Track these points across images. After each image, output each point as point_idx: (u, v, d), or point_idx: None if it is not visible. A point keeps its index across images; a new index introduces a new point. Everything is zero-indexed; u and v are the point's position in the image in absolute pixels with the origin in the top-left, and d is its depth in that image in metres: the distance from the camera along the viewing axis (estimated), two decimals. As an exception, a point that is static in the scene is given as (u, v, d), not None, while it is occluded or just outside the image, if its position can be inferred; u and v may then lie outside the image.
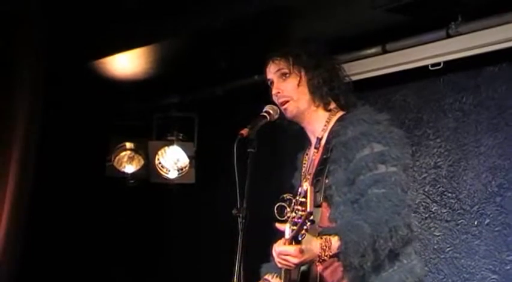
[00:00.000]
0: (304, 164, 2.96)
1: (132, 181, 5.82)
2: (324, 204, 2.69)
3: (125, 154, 5.78)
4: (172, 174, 5.54)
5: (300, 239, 2.49)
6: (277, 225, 2.64)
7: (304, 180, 2.89)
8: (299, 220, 2.47)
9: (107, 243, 5.85)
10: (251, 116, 2.90)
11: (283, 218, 2.64)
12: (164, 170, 5.54)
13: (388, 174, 2.60)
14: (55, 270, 5.46)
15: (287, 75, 2.89)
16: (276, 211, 2.67)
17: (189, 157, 5.50)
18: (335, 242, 2.52)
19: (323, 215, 2.70)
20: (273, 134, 2.99)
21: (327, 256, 2.52)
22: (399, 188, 2.60)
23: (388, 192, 2.56)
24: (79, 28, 4.70)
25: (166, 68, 5.11)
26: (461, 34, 3.98)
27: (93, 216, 5.75)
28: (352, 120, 2.74)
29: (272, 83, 2.95)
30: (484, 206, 3.98)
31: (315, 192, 2.66)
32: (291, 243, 2.52)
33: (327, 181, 2.69)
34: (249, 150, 2.69)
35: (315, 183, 2.74)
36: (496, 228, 3.91)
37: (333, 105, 2.89)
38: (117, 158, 5.74)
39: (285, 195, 2.70)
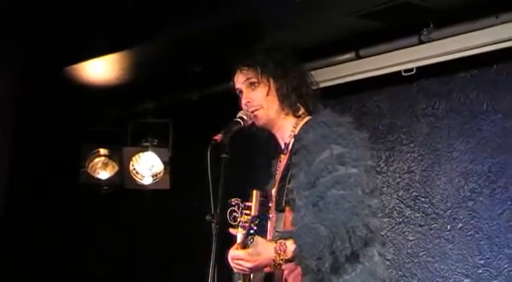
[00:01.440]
0: (277, 170, 2.98)
1: (106, 187, 5.81)
2: (287, 209, 2.71)
3: (99, 160, 5.77)
4: (147, 180, 5.54)
5: (248, 243, 2.50)
6: (231, 230, 2.70)
7: (274, 186, 2.93)
8: (245, 224, 2.52)
9: (80, 249, 5.84)
10: (226, 122, 2.91)
11: (235, 223, 2.70)
12: (139, 176, 5.54)
13: (348, 175, 2.60)
14: (27, 277, 5.44)
15: (256, 84, 2.91)
16: (228, 216, 2.71)
17: (163, 163, 5.51)
18: (290, 245, 2.51)
19: (286, 219, 2.72)
20: (246, 139, 3.01)
21: (282, 260, 2.52)
22: (359, 189, 2.58)
23: (347, 193, 2.56)
24: (54, 33, 4.70)
25: (141, 74, 5.11)
26: (433, 40, 4.04)
27: (67, 222, 5.73)
28: (313, 124, 2.77)
29: (241, 92, 2.97)
30: (457, 211, 4.03)
31: (279, 197, 2.73)
32: (243, 248, 2.55)
33: (289, 185, 2.72)
34: (222, 155, 2.69)
35: (279, 188, 2.78)
36: (469, 233, 3.96)
37: (301, 111, 2.91)
38: (91, 164, 5.73)
39: (232, 200, 2.77)
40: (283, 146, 2.93)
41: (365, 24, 4.07)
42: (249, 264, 2.53)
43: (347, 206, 2.53)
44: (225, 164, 2.65)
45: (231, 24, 4.19)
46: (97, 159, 5.76)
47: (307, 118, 2.89)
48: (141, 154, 5.53)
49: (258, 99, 2.90)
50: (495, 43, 3.80)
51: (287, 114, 2.90)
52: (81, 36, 4.69)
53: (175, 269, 5.56)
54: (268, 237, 2.71)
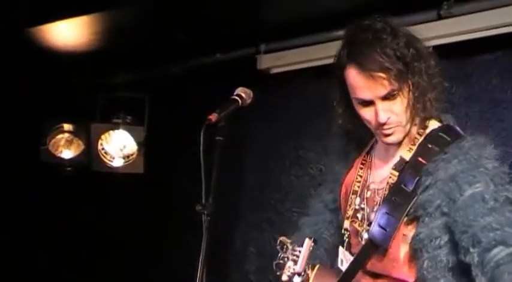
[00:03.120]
0: (364, 162, 2.81)
1: (69, 168, 5.78)
2: (394, 249, 2.57)
3: (62, 137, 5.73)
4: (117, 162, 5.52)
5: None
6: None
7: (369, 191, 2.74)
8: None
9: (38, 234, 5.82)
10: (212, 99, 2.88)
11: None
12: (108, 157, 5.51)
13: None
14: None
15: (395, 96, 2.56)
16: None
17: (137, 143, 5.48)
18: None
19: (391, 259, 2.61)
20: (237, 120, 2.98)
21: None
22: None
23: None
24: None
25: (116, 41, 5.07)
26: (454, 16, 4.03)
27: (25, 205, 5.71)
28: (458, 154, 2.50)
29: (368, 103, 2.60)
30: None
31: (379, 226, 2.55)
32: None
33: (411, 227, 2.55)
34: (217, 138, 2.67)
35: (382, 214, 2.59)
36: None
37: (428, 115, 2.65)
38: (53, 141, 5.69)
39: (282, 239, 2.79)
40: (392, 154, 2.72)
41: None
42: None
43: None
44: (220, 148, 2.61)
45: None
46: (60, 136, 5.72)
47: (432, 123, 2.68)
48: (111, 132, 5.51)
49: (399, 115, 2.58)
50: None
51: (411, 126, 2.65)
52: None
53: (147, 263, 5.55)
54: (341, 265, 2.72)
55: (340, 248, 2.78)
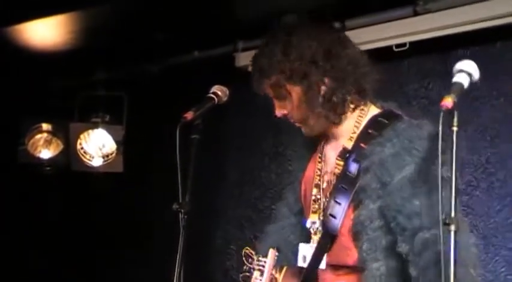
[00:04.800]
0: (319, 158, 2.85)
1: (48, 168, 5.76)
2: (346, 237, 2.61)
3: (41, 137, 5.71)
4: (97, 162, 5.50)
5: None
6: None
7: (324, 183, 2.78)
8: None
9: (17, 236, 5.80)
10: (190, 97, 2.89)
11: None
12: (87, 156, 5.50)
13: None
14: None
15: (285, 95, 2.71)
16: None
17: (116, 142, 5.47)
18: None
19: (341, 247, 2.64)
20: (216, 117, 2.99)
21: None
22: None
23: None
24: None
25: (93, 39, 5.05)
26: (430, 12, 4.05)
27: (3, 206, 5.68)
28: (392, 136, 2.57)
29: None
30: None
31: (329, 215, 2.61)
32: None
33: (353, 209, 2.59)
34: (193, 136, 2.67)
35: (332, 204, 2.65)
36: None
37: (357, 101, 2.72)
38: (31, 141, 5.67)
39: (246, 250, 2.84)
40: (339, 144, 2.76)
41: (352, -9, 4.07)
42: None
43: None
44: (196, 146, 2.62)
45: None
46: (39, 136, 5.70)
47: (373, 109, 2.74)
48: (90, 131, 5.49)
49: (296, 113, 2.73)
50: (499, 17, 3.83)
51: (339, 120, 2.72)
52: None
53: (127, 262, 5.54)
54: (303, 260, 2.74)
55: (301, 244, 2.79)
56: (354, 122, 2.73)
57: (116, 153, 5.50)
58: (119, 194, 5.67)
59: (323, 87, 2.66)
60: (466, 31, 3.95)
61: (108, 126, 5.49)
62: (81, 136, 5.50)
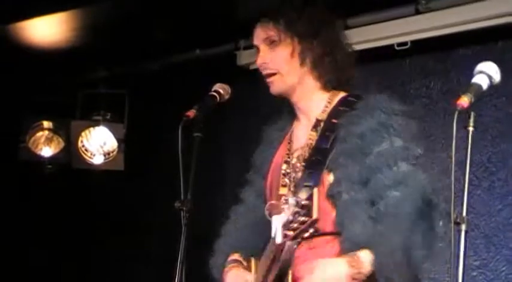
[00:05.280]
0: (289, 141, 2.88)
1: (49, 166, 5.75)
2: (325, 203, 2.57)
3: (42, 134, 5.71)
4: (98, 160, 5.50)
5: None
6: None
7: (294, 159, 2.81)
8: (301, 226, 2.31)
9: (18, 234, 5.79)
10: (191, 95, 2.89)
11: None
12: (88, 154, 5.50)
13: (409, 173, 2.55)
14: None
15: (276, 43, 2.78)
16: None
17: (117, 140, 5.47)
18: (364, 256, 2.46)
19: (321, 210, 2.62)
20: (218, 116, 2.99)
21: (359, 276, 2.46)
22: (422, 189, 2.55)
23: (409, 195, 2.50)
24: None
25: (95, 37, 5.05)
26: (431, 10, 4.05)
27: (3, 204, 5.68)
28: (367, 109, 2.64)
29: (258, 49, 2.85)
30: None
31: (304, 186, 2.56)
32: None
33: (331, 176, 2.62)
34: (195, 134, 2.67)
35: (306, 175, 2.66)
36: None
37: (332, 83, 2.80)
38: (32, 138, 5.67)
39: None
40: (305, 119, 2.83)
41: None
42: None
43: (412, 209, 2.47)
44: (198, 144, 2.62)
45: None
46: (40, 133, 5.70)
47: (342, 93, 2.80)
48: (91, 129, 5.49)
49: (277, 62, 2.78)
50: (501, 16, 3.83)
51: (314, 84, 2.80)
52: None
53: (128, 260, 5.54)
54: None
55: (274, 216, 2.69)
56: (326, 101, 2.79)
57: (117, 151, 5.49)
58: (120, 192, 5.66)
59: (315, 55, 2.75)
60: (467, 30, 3.96)
61: (110, 124, 5.49)
62: (83, 134, 5.49)
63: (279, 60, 2.77)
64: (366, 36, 4.31)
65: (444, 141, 4.14)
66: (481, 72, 2.37)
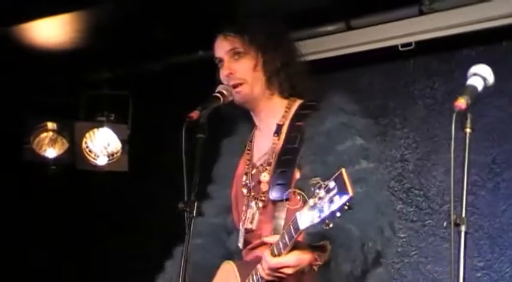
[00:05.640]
0: (248, 151, 2.99)
1: (53, 167, 5.75)
2: (294, 199, 2.65)
3: (46, 135, 5.71)
4: (102, 161, 5.50)
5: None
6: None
7: (254, 169, 2.91)
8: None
9: (21, 235, 5.80)
10: (194, 96, 2.88)
11: None
12: (92, 155, 5.50)
13: (370, 170, 2.69)
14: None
15: (241, 54, 2.90)
16: None
17: (121, 141, 5.47)
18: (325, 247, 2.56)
19: (290, 210, 2.70)
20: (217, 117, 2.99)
21: (317, 265, 2.56)
22: (380, 186, 2.72)
23: (371, 190, 2.61)
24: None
25: (98, 38, 5.05)
26: (435, 11, 4.05)
27: (6, 206, 5.68)
28: (329, 110, 2.77)
29: (221, 61, 2.95)
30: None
31: (278, 184, 2.74)
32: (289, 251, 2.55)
33: (298, 174, 2.72)
34: (198, 135, 2.67)
35: (277, 174, 2.78)
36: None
37: (288, 92, 2.93)
38: (36, 139, 5.66)
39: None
40: (266, 127, 2.94)
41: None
42: (291, 271, 2.56)
43: (372, 205, 2.58)
44: (202, 145, 2.63)
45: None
46: (44, 135, 5.70)
47: (299, 101, 2.92)
48: (95, 130, 5.49)
49: (243, 72, 2.89)
50: (505, 17, 3.83)
51: (272, 94, 2.92)
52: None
53: (130, 260, 5.54)
54: (267, 227, 2.78)
55: (241, 225, 2.88)
56: (284, 107, 2.93)
57: (121, 152, 5.49)
58: (123, 193, 5.67)
59: (275, 66, 2.88)
60: (471, 31, 3.96)
61: (113, 125, 5.49)
62: (87, 135, 5.50)
63: (245, 71, 2.88)
64: (370, 37, 4.32)
65: (448, 142, 4.12)
66: (475, 74, 2.35)
